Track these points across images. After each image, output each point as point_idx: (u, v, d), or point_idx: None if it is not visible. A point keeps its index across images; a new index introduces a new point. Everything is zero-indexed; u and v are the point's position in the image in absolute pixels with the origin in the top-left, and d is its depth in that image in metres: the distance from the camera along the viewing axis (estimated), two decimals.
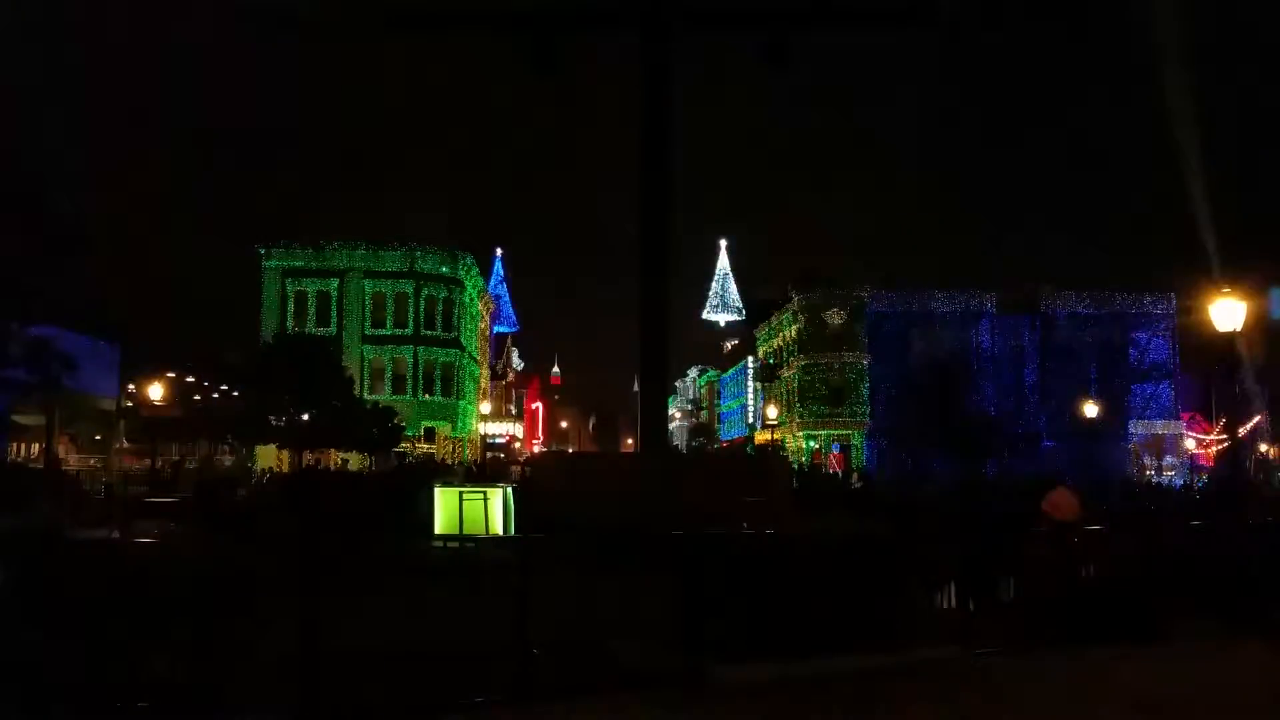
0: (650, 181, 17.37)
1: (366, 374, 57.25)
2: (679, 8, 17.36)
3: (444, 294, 60.08)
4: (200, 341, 59.50)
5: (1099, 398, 54.00)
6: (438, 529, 17.09)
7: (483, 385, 73.93)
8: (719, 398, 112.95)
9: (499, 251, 75.93)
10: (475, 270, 66.34)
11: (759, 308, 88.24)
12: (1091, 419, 51.24)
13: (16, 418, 38.95)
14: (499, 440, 75.20)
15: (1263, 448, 52.79)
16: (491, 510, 17.56)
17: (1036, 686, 9.60)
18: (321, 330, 55.21)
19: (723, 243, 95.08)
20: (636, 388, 19.69)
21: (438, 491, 18.67)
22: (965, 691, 9.36)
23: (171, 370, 50.67)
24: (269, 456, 49.52)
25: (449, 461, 50.22)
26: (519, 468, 34.16)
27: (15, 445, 47.01)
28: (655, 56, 17.30)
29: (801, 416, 67.14)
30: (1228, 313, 15.26)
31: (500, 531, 17.01)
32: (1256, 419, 53.27)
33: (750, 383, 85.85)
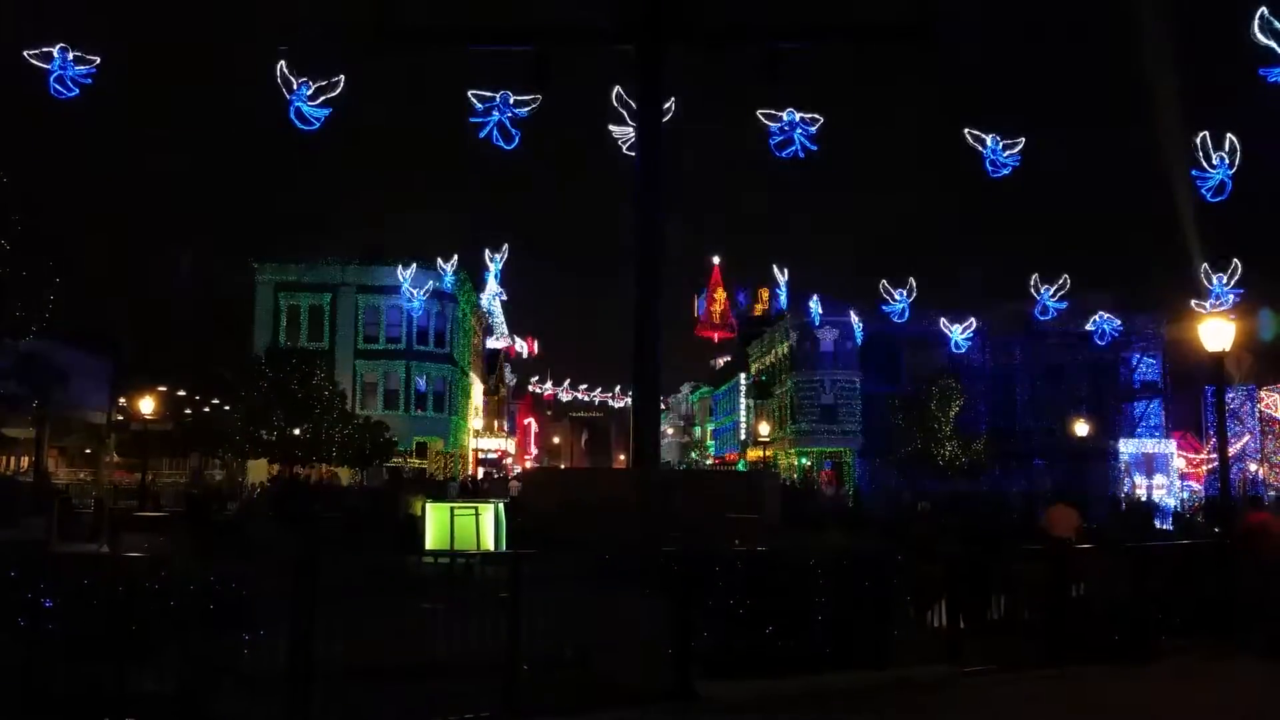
0: (645, 197, 17.43)
1: (359, 389, 57.13)
2: (673, 25, 17.45)
3: (437, 309, 60.06)
4: (193, 355, 59.27)
5: (1089, 416, 54.11)
6: (429, 544, 17.06)
7: (475, 400, 73.85)
8: (711, 414, 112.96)
9: (493, 267, 75.96)
10: (469, 285, 66.33)
11: (752, 324, 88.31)
12: (1082, 437, 51.32)
13: (6, 431, 38.79)
14: (491, 455, 75.05)
15: (1252, 467, 52.88)
16: (483, 526, 17.54)
17: (1027, 705, 9.60)
18: (314, 344, 55.03)
19: (715, 259, 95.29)
20: (629, 404, 19.70)
21: (429, 507, 18.64)
22: (955, 710, 9.36)
23: (163, 384, 50.47)
24: (260, 471, 49.35)
25: (438, 476, 50.11)
26: (516, 482, 34.15)
27: (5, 458, 46.84)
28: (650, 71, 17.39)
29: (794, 434, 67.17)
30: (1217, 333, 15.32)
31: (491, 547, 16.98)
32: (1245, 438, 53.41)
33: (743, 400, 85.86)
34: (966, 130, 18.56)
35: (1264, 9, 15.61)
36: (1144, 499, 41.42)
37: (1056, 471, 54.73)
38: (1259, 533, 13.24)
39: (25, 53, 15.83)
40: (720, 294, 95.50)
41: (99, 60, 16.11)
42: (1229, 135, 18.63)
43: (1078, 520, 16.32)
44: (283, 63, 16.57)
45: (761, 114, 17.78)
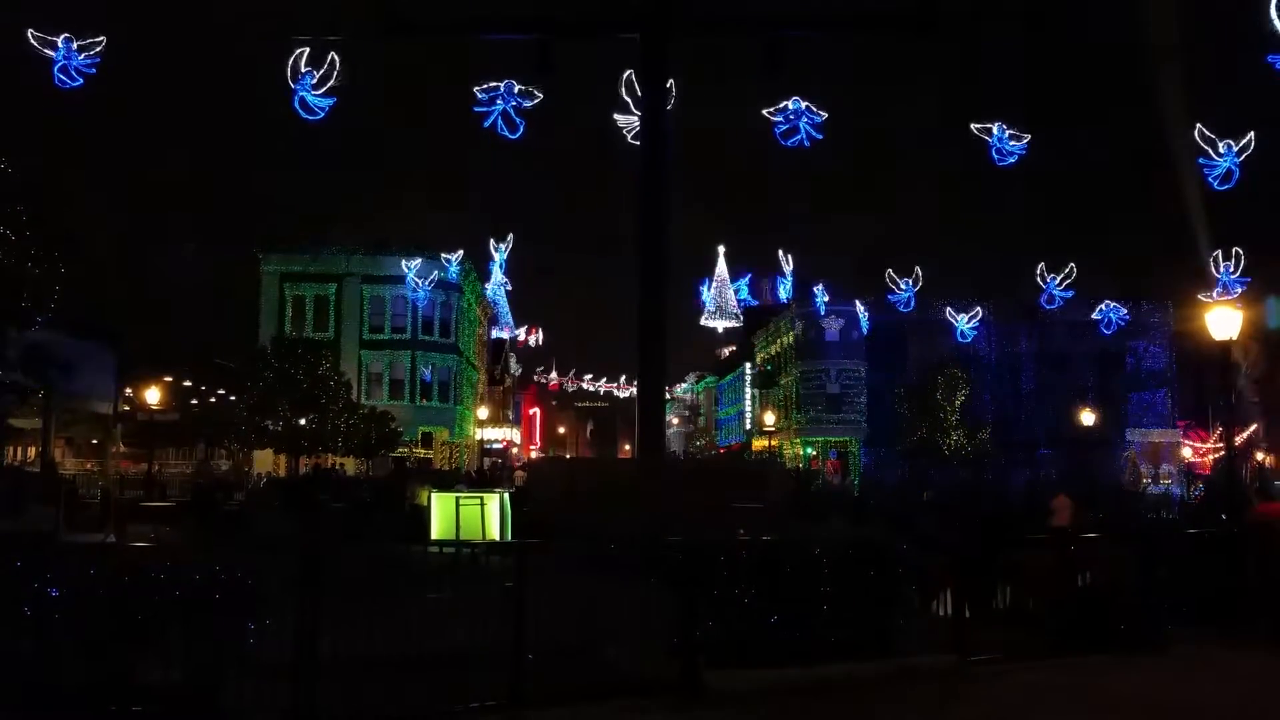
0: (649, 187, 17.37)
1: (364, 379, 57.17)
2: (677, 14, 17.37)
3: (442, 299, 60.07)
4: (198, 345, 59.43)
5: (1096, 406, 54.02)
6: (434, 534, 17.10)
7: (480, 390, 73.90)
8: (716, 404, 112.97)
9: (497, 257, 75.99)
10: (474, 275, 66.35)
11: (757, 314, 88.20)
12: (1088, 427, 51.25)
13: (13, 421, 38.85)
14: (496, 446, 75.14)
15: (1259, 456, 52.79)
16: (488, 515, 17.59)
17: (1033, 695, 9.59)
18: (319, 334, 55.12)
19: (721, 249, 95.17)
20: (634, 393, 19.69)
21: (435, 497, 18.68)
22: (962, 700, 9.36)
23: (169, 374, 50.60)
24: (266, 461, 49.47)
25: (444, 467, 50.17)
26: (521, 473, 34.20)
27: (11, 449, 46.95)
28: (654, 61, 17.31)
29: (799, 423, 67.17)
30: (1223, 322, 15.28)
31: (497, 537, 17.02)
32: (1253, 427, 53.31)
33: (748, 389, 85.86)
34: (972, 126, 18.48)
35: None
36: (1138, 488, 41.35)
37: (1062, 461, 54.68)
38: (1269, 523, 13.21)
39: (29, 33, 15.80)
40: (775, 284, 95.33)
41: (103, 48, 16.08)
42: (1237, 123, 18.54)
43: (1073, 510, 16.41)
44: (294, 52, 16.53)
45: (766, 112, 17.70)
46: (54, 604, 7.48)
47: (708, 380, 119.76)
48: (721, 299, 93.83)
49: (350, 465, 48.49)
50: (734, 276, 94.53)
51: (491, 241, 65.56)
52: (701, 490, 17.73)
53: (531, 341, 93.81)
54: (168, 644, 7.68)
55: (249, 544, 14.21)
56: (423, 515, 19.06)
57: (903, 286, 56.42)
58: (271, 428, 43.55)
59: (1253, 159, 18.39)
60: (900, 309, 53.63)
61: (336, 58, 16.58)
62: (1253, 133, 17.99)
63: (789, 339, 70.73)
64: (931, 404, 56.10)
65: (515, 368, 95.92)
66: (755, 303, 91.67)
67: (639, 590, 9.41)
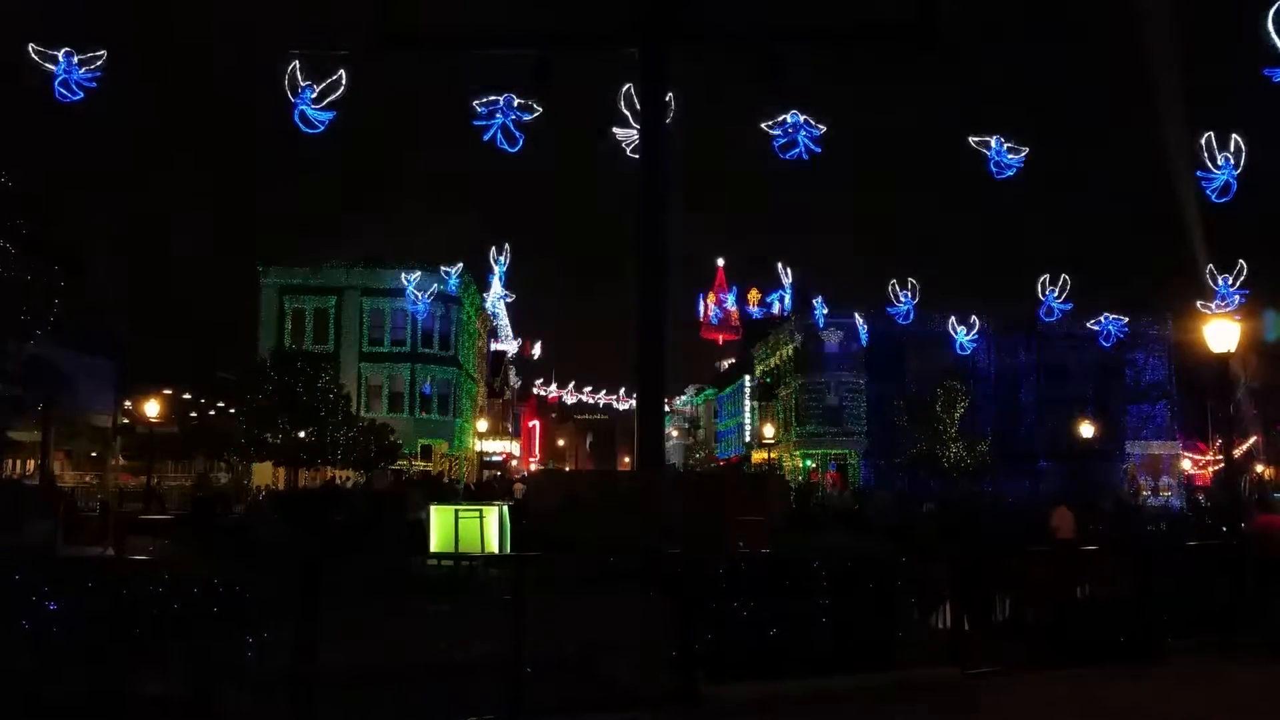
0: (649, 199, 17.41)
1: (363, 391, 57.14)
2: (677, 27, 17.44)
3: (441, 311, 60.06)
4: (198, 358, 59.46)
5: (1095, 418, 53.99)
6: (433, 547, 17.04)
7: (480, 403, 73.85)
8: (716, 416, 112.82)
9: (497, 270, 75.93)
10: (474, 288, 66.36)
11: (757, 326, 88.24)
12: (1087, 439, 51.21)
13: (12, 434, 38.84)
14: (496, 458, 75.03)
15: (1259, 468, 52.75)
16: (487, 528, 17.52)
17: (1032, 707, 9.58)
18: (319, 347, 55.09)
19: (720, 261, 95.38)
20: (634, 406, 19.69)
21: (434, 509, 18.62)
22: (960, 712, 9.35)
23: (168, 387, 50.58)
24: (265, 474, 49.42)
25: (446, 479, 50.09)
26: (520, 485, 34.17)
27: (10, 462, 46.92)
28: (654, 74, 17.37)
29: (798, 436, 67.11)
30: (1222, 334, 15.31)
31: (495, 550, 16.96)
32: (1252, 439, 53.28)
33: (748, 401, 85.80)
34: (970, 139, 18.55)
35: (1277, 5, 15.49)
36: (1134, 500, 41.29)
37: (1062, 473, 54.64)
38: (1268, 534, 13.20)
39: (30, 48, 15.87)
40: (751, 296, 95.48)
41: (103, 63, 16.14)
42: (1234, 136, 18.62)
43: (1074, 523, 16.40)
44: (294, 65, 16.61)
45: (765, 125, 17.78)
46: (52, 617, 7.47)
47: (707, 392, 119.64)
48: (721, 311, 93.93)
49: (351, 478, 48.44)
50: (733, 288, 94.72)
51: (492, 252, 65.35)
52: (701, 503, 17.70)
53: (531, 353, 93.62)
54: (167, 657, 7.68)
55: (248, 557, 14.19)
56: (421, 527, 19.00)
57: (902, 299, 56.42)
58: (271, 441, 43.53)
59: (1252, 172, 18.45)
60: (899, 321, 53.74)
61: (338, 71, 16.67)
62: (1243, 147, 18.08)
63: (788, 351, 70.72)
64: (931, 416, 56.10)
65: (515, 380, 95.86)
66: (758, 314, 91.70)
67: (638, 602, 9.40)
